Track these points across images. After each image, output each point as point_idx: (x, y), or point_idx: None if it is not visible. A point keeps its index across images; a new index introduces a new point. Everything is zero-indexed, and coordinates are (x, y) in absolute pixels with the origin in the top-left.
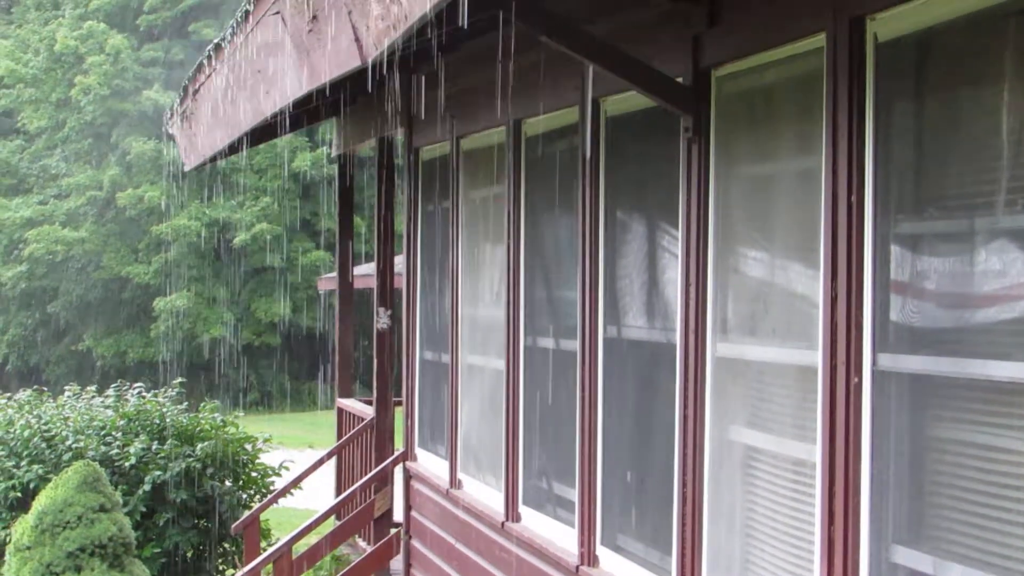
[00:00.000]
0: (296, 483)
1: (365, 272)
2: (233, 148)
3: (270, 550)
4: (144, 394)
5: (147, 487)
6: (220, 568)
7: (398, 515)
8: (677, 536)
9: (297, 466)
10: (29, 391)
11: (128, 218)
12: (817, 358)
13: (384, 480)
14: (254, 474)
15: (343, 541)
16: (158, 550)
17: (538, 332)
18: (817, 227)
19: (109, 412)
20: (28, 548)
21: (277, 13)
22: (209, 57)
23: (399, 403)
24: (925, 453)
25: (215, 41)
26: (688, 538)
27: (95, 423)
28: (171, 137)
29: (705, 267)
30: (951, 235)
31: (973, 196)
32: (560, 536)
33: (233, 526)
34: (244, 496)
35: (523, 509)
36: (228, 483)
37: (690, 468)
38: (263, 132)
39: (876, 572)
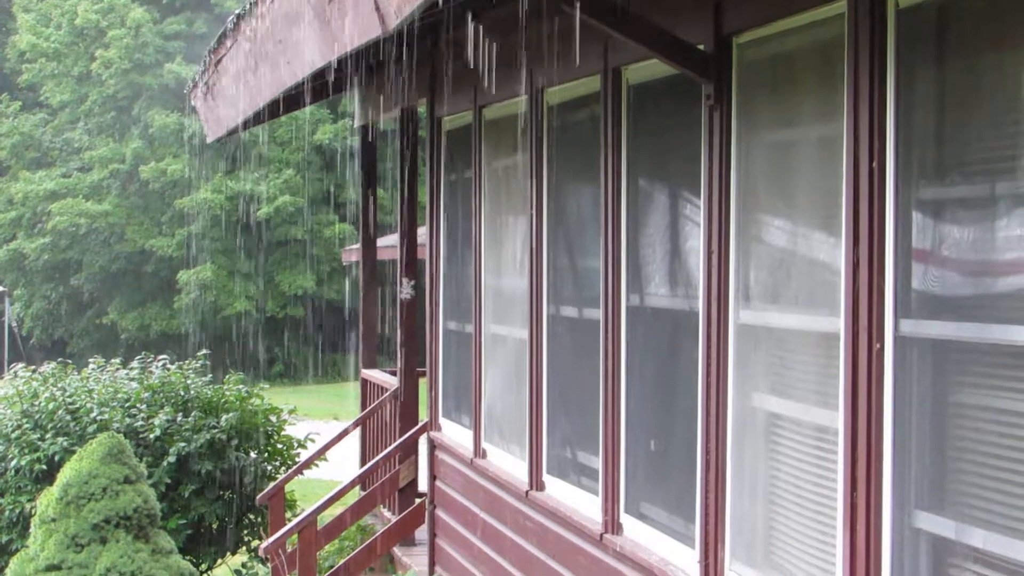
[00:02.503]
0: (321, 454)
1: (389, 243)
2: (255, 119)
3: (295, 520)
4: (168, 366)
5: (172, 459)
6: (246, 539)
7: (423, 485)
8: (701, 503)
9: (322, 438)
10: (54, 364)
11: (151, 191)
12: (839, 324)
13: (409, 450)
14: (279, 445)
15: (368, 511)
16: (183, 521)
17: (561, 301)
18: (839, 194)
19: (134, 384)
20: (53, 520)
21: None
22: (231, 28)
23: (423, 373)
24: (947, 418)
25: (236, 12)
26: (712, 505)
27: (120, 395)
28: (193, 109)
29: (727, 235)
30: (973, 200)
31: (995, 161)
32: (584, 504)
33: (258, 497)
34: (269, 467)
35: (547, 478)
36: (253, 455)
37: (713, 435)
38: (285, 103)
39: (899, 537)
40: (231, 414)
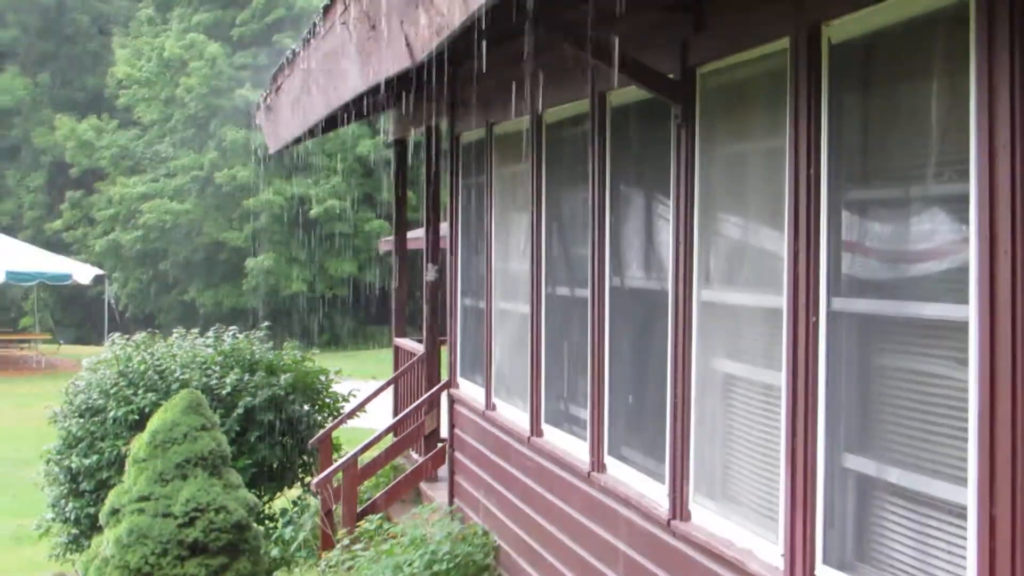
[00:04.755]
0: (361, 407)
1: (417, 236)
2: (308, 135)
3: (340, 461)
4: (238, 336)
5: (240, 411)
6: (300, 476)
7: (444, 432)
8: (669, 447)
9: (362, 393)
10: (144, 333)
11: (224, 193)
12: (782, 302)
13: (432, 404)
14: (327, 400)
15: (399, 454)
16: (249, 461)
17: (556, 282)
18: (782, 195)
19: (209, 350)
20: (144, 460)
21: (344, 23)
22: (288, 59)
23: (444, 341)
24: (871, 378)
25: (293, 48)
26: (678, 449)
27: (198, 359)
28: (258, 126)
29: (692, 228)
30: (891, 200)
31: (909, 168)
32: (574, 448)
33: (310, 441)
34: (319, 418)
35: (545, 426)
36: (306, 407)
37: (680, 392)
38: (332, 121)
39: (831, 475)
40: (288, 374)
